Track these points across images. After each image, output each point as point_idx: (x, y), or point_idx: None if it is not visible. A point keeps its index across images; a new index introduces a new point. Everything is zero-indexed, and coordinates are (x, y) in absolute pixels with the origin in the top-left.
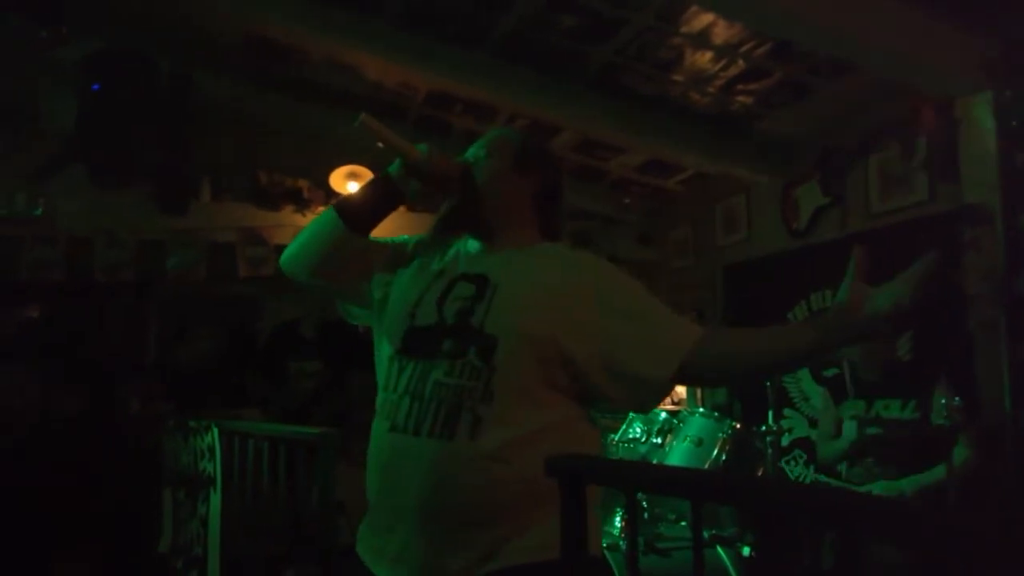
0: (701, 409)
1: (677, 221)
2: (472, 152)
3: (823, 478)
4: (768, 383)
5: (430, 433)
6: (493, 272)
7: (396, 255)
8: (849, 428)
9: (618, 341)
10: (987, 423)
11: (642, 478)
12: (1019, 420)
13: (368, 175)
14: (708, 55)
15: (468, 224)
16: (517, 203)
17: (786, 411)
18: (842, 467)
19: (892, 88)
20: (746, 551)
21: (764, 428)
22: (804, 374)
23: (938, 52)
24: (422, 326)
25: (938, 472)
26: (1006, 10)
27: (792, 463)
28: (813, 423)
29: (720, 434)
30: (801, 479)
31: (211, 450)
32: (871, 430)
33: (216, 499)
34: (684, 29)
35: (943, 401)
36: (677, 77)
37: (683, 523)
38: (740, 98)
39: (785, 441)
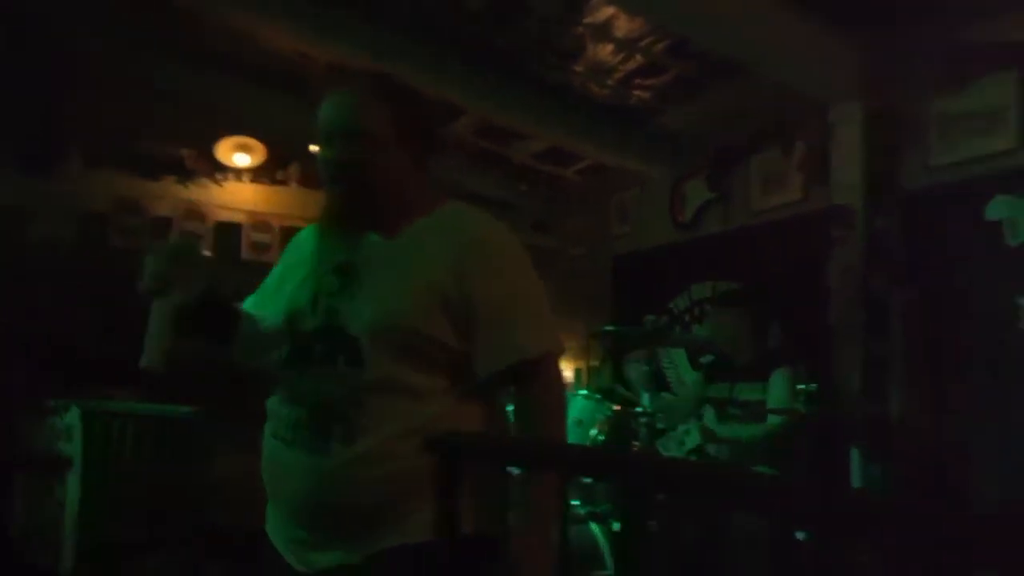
0: (583, 391)
1: (574, 210)
2: (335, 125)
3: (695, 458)
4: (647, 367)
5: (305, 445)
6: (362, 259)
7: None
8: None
9: (477, 326)
10: (838, 411)
11: (513, 453)
12: (867, 409)
13: (260, 148)
14: (609, 48)
15: (356, 221)
16: (403, 176)
17: (664, 395)
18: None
19: (776, 92)
20: (616, 526)
21: (640, 410)
22: (682, 360)
23: (818, 61)
24: (301, 331)
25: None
26: (877, 26)
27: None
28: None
29: (599, 415)
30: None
31: (70, 431)
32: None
33: (75, 481)
34: (587, 20)
35: (800, 387)
36: (579, 67)
37: (575, 501)
38: (638, 92)
39: (661, 424)
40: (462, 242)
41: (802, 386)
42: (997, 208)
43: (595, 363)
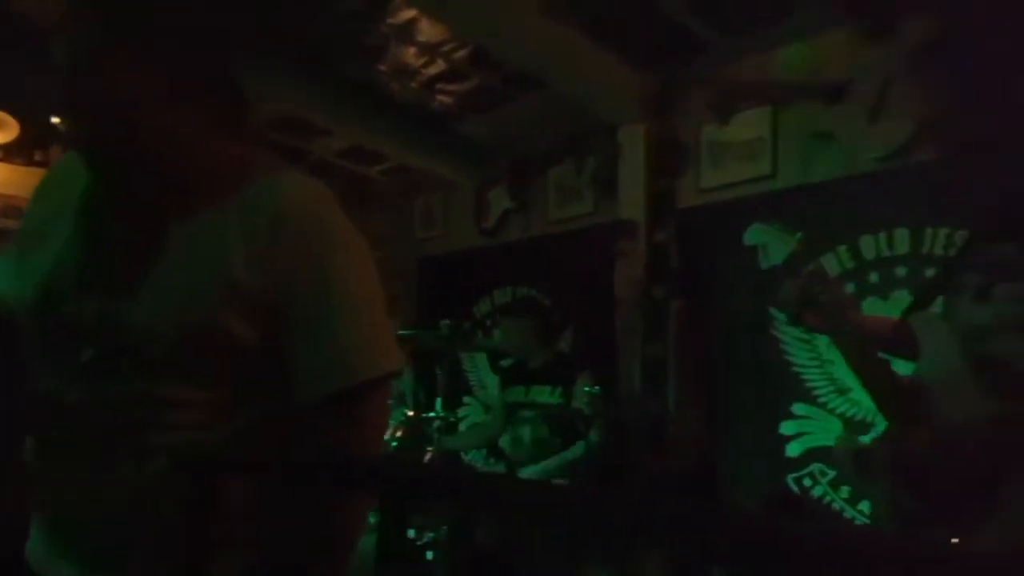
0: None
1: (378, 211)
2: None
3: (492, 462)
4: (439, 370)
5: (88, 462)
6: (147, 246)
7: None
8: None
9: (289, 334)
10: (620, 412)
11: (271, 468)
12: (647, 410)
13: (12, 123)
14: (412, 50)
15: (132, 205)
16: (186, 140)
17: (466, 398)
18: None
19: (572, 109)
20: (411, 533)
21: (433, 415)
22: (483, 363)
23: (608, 85)
24: (62, 318)
25: (577, 450)
26: (661, 60)
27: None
28: (488, 409)
29: (391, 421)
30: (475, 463)
31: None
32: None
33: None
34: (391, 20)
35: (585, 389)
36: (383, 67)
37: None
38: (441, 97)
39: (464, 427)
40: (270, 222)
41: (587, 388)
42: (753, 235)
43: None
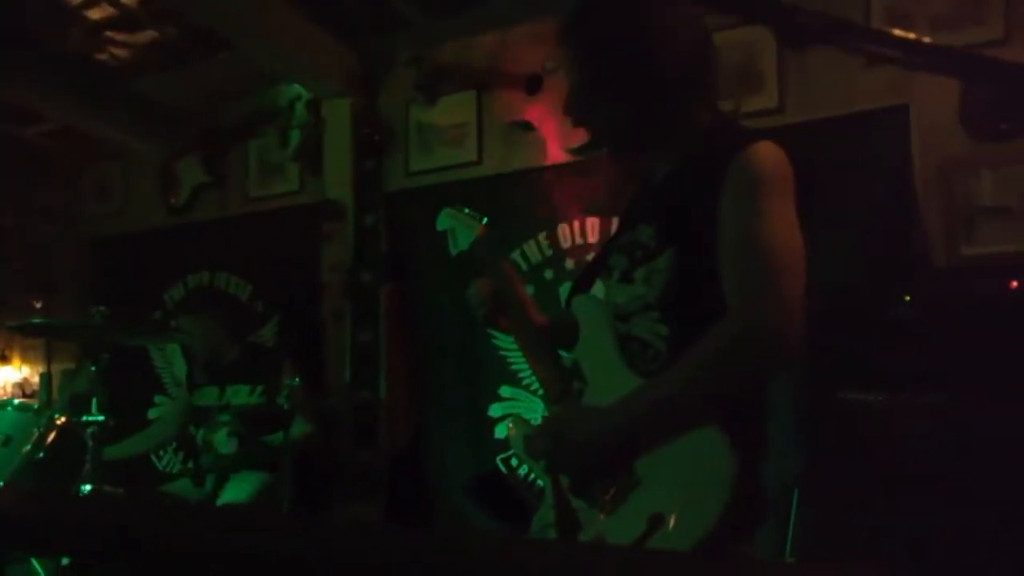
0: (16, 402)
1: (39, 182)
2: None
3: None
4: (93, 366)
5: None
6: None
7: None
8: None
9: None
10: (327, 401)
11: None
12: (358, 400)
13: None
14: None
15: None
16: None
17: (158, 398)
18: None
19: (273, 76)
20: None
21: (89, 419)
22: (177, 358)
23: (313, 54)
24: None
25: (276, 438)
26: (367, 28)
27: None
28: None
29: (36, 428)
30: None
31: None
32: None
33: None
34: None
35: (285, 382)
36: (30, 6)
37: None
38: (114, 49)
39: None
40: None
41: (287, 381)
42: (442, 220)
43: (71, 366)
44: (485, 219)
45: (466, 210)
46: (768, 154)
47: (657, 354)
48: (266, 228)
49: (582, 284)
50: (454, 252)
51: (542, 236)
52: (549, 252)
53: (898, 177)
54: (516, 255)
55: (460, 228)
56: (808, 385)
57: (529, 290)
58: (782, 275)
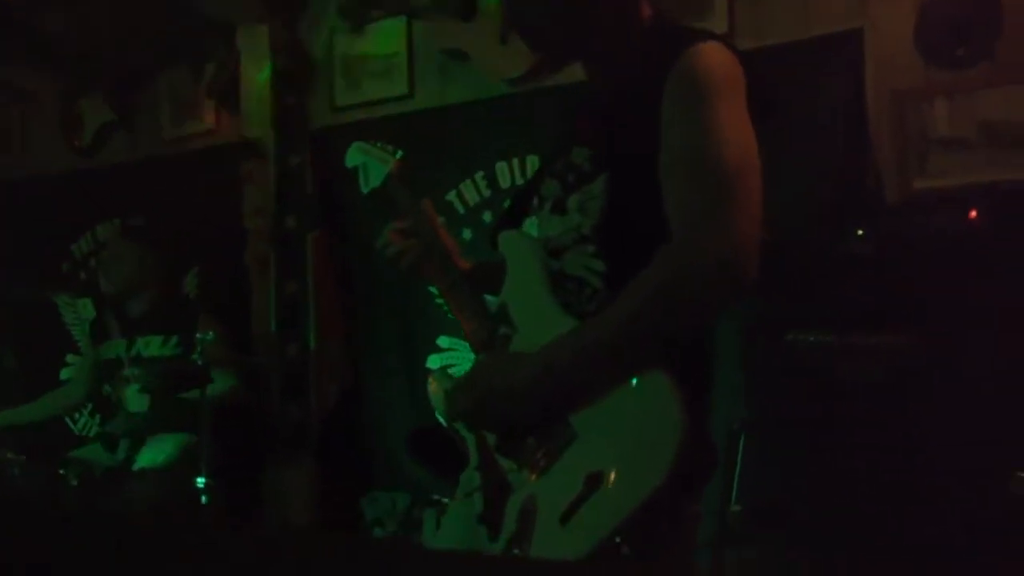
0: None
1: None
2: None
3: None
4: None
5: None
6: None
7: None
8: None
9: None
10: (252, 355)
11: None
12: (284, 350)
13: None
14: None
15: None
16: None
17: (70, 357)
18: None
19: (182, 5)
20: None
21: None
22: (89, 312)
23: None
24: None
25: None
26: None
27: None
28: None
29: None
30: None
31: None
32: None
33: None
34: None
35: (198, 336)
36: None
37: None
38: None
39: None
40: None
41: (199, 335)
42: (352, 156)
43: None
44: (400, 153)
45: (378, 144)
46: (713, 56)
47: (594, 293)
48: (182, 170)
49: (510, 218)
50: (365, 191)
51: (480, 176)
52: (488, 193)
53: (850, 107)
54: (452, 196)
55: (372, 163)
56: (754, 324)
57: (466, 234)
58: (733, 195)
